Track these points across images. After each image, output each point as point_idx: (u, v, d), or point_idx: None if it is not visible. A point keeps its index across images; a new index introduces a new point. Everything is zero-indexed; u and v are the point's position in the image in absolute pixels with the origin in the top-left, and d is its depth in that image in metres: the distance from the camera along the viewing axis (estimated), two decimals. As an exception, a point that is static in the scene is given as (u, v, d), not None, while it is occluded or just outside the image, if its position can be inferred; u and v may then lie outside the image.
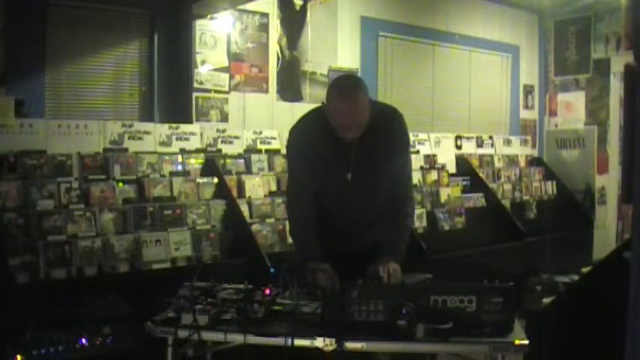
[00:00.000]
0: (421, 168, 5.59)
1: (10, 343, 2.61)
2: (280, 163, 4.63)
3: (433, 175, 5.63)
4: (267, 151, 4.70)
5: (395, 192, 2.57)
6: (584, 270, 5.16)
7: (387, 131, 2.52)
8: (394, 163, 2.55)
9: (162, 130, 4.29)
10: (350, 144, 2.45)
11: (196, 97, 4.81)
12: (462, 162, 6.15)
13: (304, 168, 2.57)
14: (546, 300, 4.57)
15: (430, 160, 5.75)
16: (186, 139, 4.37)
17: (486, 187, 5.98)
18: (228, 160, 4.45)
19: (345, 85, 2.51)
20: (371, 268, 2.37)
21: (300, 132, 2.62)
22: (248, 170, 4.51)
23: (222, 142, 4.54)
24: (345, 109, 2.36)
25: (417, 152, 5.71)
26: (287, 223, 4.25)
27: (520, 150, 7.00)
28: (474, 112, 6.99)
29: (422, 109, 6.38)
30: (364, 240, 2.59)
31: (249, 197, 4.30)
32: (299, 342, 1.98)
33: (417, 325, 1.98)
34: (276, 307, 2.18)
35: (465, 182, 5.95)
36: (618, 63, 6.93)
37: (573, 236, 6.27)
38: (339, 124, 2.40)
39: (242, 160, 4.53)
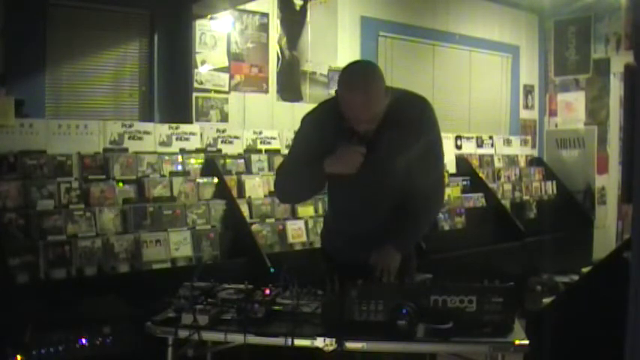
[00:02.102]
0: (421, 168, 5.58)
1: (10, 343, 2.61)
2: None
3: (433, 175, 5.62)
4: (267, 151, 4.70)
5: (418, 189, 2.33)
6: (584, 270, 5.16)
7: (410, 123, 2.28)
8: (418, 158, 2.29)
9: (163, 130, 4.29)
10: (366, 135, 2.24)
11: (196, 97, 4.81)
12: (462, 162, 6.15)
13: (305, 157, 2.36)
14: (546, 300, 4.57)
15: (430, 160, 5.74)
16: (186, 139, 4.37)
17: (486, 187, 5.98)
18: (228, 160, 4.45)
19: (355, 73, 2.24)
20: (373, 256, 2.32)
21: (312, 121, 2.42)
22: (248, 170, 4.51)
23: (222, 142, 4.54)
24: (356, 101, 2.15)
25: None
26: (287, 222, 4.31)
27: (520, 150, 7.00)
28: (474, 112, 6.99)
29: (422, 109, 6.36)
30: (380, 244, 2.36)
31: (249, 197, 4.31)
32: (299, 342, 1.98)
33: (418, 325, 1.98)
34: (276, 307, 2.18)
35: (465, 182, 5.95)
36: (618, 63, 6.93)
37: (573, 236, 6.26)
38: (350, 116, 2.20)
39: (242, 160, 4.53)
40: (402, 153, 2.28)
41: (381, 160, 2.29)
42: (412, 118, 2.30)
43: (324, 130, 2.32)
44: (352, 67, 2.30)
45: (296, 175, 2.41)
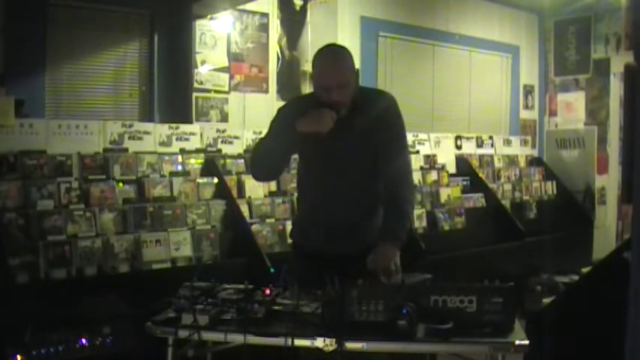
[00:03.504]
0: (421, 168, 5.59)
1: (10, 343, 2.60)
2: (280, 163, 4.63)
3: (433, 175, 5.63)
4: (267, 151, 4.69)
5: (390, 178, 2.49)
6: (584, 270, 5.16)
7: (378, 113, 2.47)
8: (385, 146, 2.47)
9: (163, 130, 4.29)
10: (337, 121, 2.36)
11: (196, 97, 4.81)
12: (462, 162, 6.15)
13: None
14: (546, 300, 4.57)
15: (430, 160, 5.75)
16: (186, 139, 4.37)
17: (486, 187, 5.98)
18: (228, 160, 4.45)
19: (328, 46, 2.54)
20: (369, 259, 2.34)
21: (287, 108, 2.63)
22: (248, 170, 4.51)
23: (222, 142, 4.54)
24: (326, 67, 2.37)
25: (417, 152, 5.71)
26: (287, 222, 4.30)
27: (520, 150, 7.00)
28: (474, 112, 6.99)
29: (422, 109, 6.38)
30: (353, 235, 2.48)
31: (249, 197, 4.31)
32: (299, 342, 1.98)
33: (418, 325, 1.98)
34: (276, 307, 2.18)
35: (465, 182, 5.95)
36: (618, 63, 6.93)
37: (573, 236, 6.27)
38: (321, 84, 2.37)
39: (242, 160, 4.53)
40: (371, 139, 2.45)
41: (351, 143, 2.44)
42: (379, 107, 2.49)
43: (297, 114, 2.42)
44: (325, 45, 2.56)
45: (269, 144, 2.56)
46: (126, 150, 4.06)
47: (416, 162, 5.47)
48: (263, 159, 2.59)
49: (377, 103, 2.51)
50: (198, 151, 4.38)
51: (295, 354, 2.05)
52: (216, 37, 4.91)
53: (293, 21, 5.41)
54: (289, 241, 2.87)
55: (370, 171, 2.50)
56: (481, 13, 7.01)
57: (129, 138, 4.11)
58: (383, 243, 2.38)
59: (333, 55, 2.44)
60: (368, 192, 2.53)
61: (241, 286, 2.34)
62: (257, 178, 2.73)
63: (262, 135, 4.60)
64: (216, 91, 4.92)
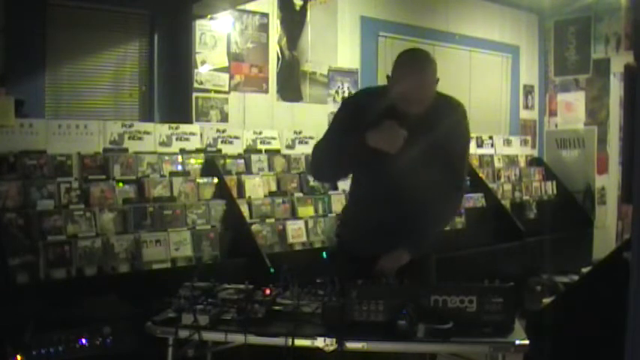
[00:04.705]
0: (421, 168, 5.59)
1: (10, 343, 2.61)
2: (280, 163, 4.64)
3: (433, 175, 5.62)
4: (267, 151, 4.70)
5: (447, 189, 2.43)
6: (584, 270, 5.16)
7: (447, 120, 2.39)
8: (451, 158, 2.41)
9: (163, 130, 4.29)
10: (407, 124, 2.28)
11: (196, 97, 4.81)
12: (462, 162, 6.14)
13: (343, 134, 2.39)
14: (546, 300, 4.58)
15: (430, 160, 5.74)
16: (186, 139, 4.37)
17: (486, 187, 5.97)
18: (228, 160, 4.45)
19: (416, 54, 2.45)
20: (382, 261, 2.33)
21: (353, 102, 2.51)
22: (248, 170, 4.51)
23: (222, 142, 4.54)
24: (415, 80, 2.28)
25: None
26: (287, 222, 4.31)
27: (520, 150, 7.00)
28: (473, 112, 6.96)
29: (422, 109, 6.36)
30: (402, 237, 2.40)
31: (249, 197, 4.30)
32: (299, 342, 1.98)
33: (418, 325, 1.98)
34: (277, 307, 2.18)
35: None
36: (618, 63, 6.93)
37: (573, 236, 6.26)
38: (404, 94, 2.28)
39: (242, 160, 4.53)
40: (438, 145, 2.36)
41: (418, 148, 2.33)
42: (451, 119, 2.41)
43: (365, 112, 2.36)
44: (412, 50, 2.50)
45: (334, 148, 2.42)
46: (126, 150, 4.06)
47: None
48: (326, 161, 2.47)
49: (450, 112, 2.42)
50: (198, 151, 4.38)
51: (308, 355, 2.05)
52: (216, 37, 4.90)
53: (293, 21, 5.41)
54: (334, 239, 2.80)
55: (432, 178, 2.39)
56: (481, 13, 7.01)
57: (129, 138, 4.11)
58: (402, 249, 2.36)
59: (424, 68, 2.32)
60: (428, 198, 2.42)
61: (241, 286, 2.35)
62: (316, 178, 2.57)
63: (262, 134, 4.69)
64: (216, 91, 4.92)
